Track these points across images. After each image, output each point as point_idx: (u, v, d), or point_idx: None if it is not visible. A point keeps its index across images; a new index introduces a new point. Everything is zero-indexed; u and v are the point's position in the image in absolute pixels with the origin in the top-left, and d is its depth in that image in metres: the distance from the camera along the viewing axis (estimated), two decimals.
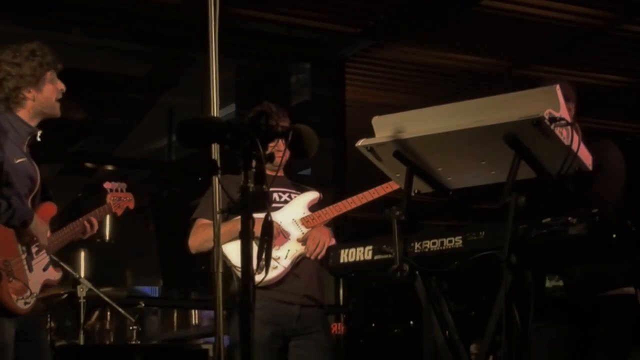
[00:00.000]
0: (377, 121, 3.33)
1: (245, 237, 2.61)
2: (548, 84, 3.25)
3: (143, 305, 6.60)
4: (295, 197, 4.73)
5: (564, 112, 3.07)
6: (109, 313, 6.70)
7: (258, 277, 2.64)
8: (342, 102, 8.13)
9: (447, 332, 3.32)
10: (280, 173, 4.66)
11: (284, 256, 4.57)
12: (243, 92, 8.25)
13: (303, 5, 7.15)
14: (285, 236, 4.61)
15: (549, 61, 8.11)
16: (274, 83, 8.29)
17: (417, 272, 3.28)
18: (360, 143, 3.31)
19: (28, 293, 3.88)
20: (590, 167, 3.23)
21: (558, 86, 3.11)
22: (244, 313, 2.60)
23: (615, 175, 3.93)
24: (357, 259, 3.42)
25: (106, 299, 5.93)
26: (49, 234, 4.02)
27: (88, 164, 8.48)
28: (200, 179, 7.51)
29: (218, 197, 3.49)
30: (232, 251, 4.37)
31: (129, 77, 8.56)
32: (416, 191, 3.38)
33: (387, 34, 7.60)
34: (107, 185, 4.59)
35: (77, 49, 7.59)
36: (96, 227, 4.29)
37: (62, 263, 4.52)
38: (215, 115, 3.39)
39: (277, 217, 4.58)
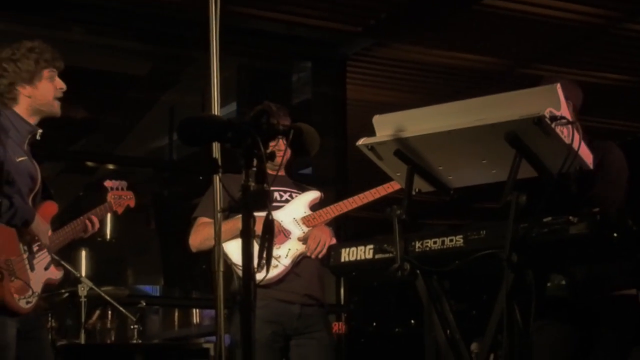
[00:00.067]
0: (378, 120, 3.32)
1: (246, 236, 2.61)
2: (549, 83, 3.24)
3: (144, 304, 6.59)
4: (296, 196, 4.74)
5: (564, 110, 3.07)
6: (110, 312, 6.69)
7: (259, 276, 2.64)
8: (343, 100, 8.13)
9: (448, 331, 3.32)
10: (282, 172, 4.66)
11: (284, 255, 4.57)
12: (244, 90, 8.25)
13: (304, 4, 7.14)
14: (286, 235, 4.61)
15: (551, 60, 8.11)
16: (275, 82, 8.29)
17: (418, 271, 3.28)
18: (361, 142, 3.31)
19: (30, 292, 3.88)
20: (591, 166, 3.23)
21: (559, 85, 3.11)
22: (245, 312, 2.60)
23: (618, 177, 3.93)
24: (358, 258, 3.42)
25: (107, 298, 5.93)
26: (50, 232, 4.02)
27: (89, 163, 8.49)
28: (201, 177, 7.52)
29: (219, 195, 3.49)
30: (233, 249, 4.37)
31: (130, 75, 8.57)
32: (417, 190, 3.38)
33: (388, 32, 7.60)
34: (107, 183, 4.59)
35: (78, 48, 7.59)
36: (97, 225, 4.29)
37: (63, 262, 4.52)
38: (216, 113, 3.39)
39: (278, 216, 4.58)
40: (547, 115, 2.99)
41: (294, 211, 4.68)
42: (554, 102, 3.06)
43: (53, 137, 4.17)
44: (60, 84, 4.05)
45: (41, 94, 3.99)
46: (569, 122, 3.05)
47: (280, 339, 4.56)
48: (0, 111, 3.88)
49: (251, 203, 2.63)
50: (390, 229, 3.27)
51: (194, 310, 10.00)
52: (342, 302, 7.69)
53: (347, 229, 7.02)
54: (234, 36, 7.07)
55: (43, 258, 3.99)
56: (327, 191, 5.04)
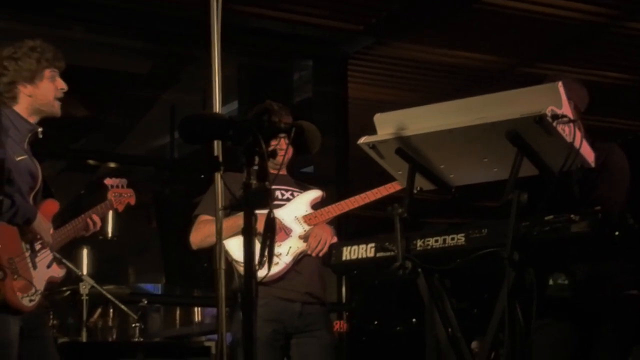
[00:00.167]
0: (379, 118, 3.33)
1: (247, 234, 2.62)
2: (553, 82, 3.24)
3: (145, 302, 6.59)
4: (297, 195, 4.74)
5: (566, 109, 3.07)
6: (111, 310, 6.70)
7: (260, 273, 2.64)
8: (345, 99, 8.13)
9: (449, 330, 3.32)
10: (283, 172, 4.66)
11: (285, 252, 4.57)
12: (245, 89, 8.25)
13: (305, 3, 7.15)
14: (287, 233, 4.62)
15: (551, 58, 8.11)
16: (276, 80, 8.29)
17: (419, 270, 3.29)
18: (362, 140, 3.31)
19: (33, 290, 3.88)
20: (593, 165, 3.23)
21: (560, 83, 3.11)
22: (247, 310, 2.60)
23: (620, 178, 3.93)
24: (360, 256, 3.42)
25: (109, 296, 5.93)
26: (51, 231, 4.03)
27: (90, 161, 8.48)
28: (202, 176, 7.52)
29: (220, 193, 3.49)
30: (234, 246, 4.37)
31: (131, 74, 8.56)
32: (418, 188, 3.38)
33: (389, 31, 7.60)
34: (107, 181, 4.59)
35: (78, 46, 7.59)
36: (99, 224, 4.30)
37: (64, 260, 4.53)
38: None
39: (279, 213, 4.58)
40: (549, 114, 2.99)
41: (295, 209, 4.68)
42: (556, 101, 3.06)
43: (54, 135, 4.17)
44: (62, 84, 4.04)
45: (42, 94, 3.99)
46: (570, 121, 3.06)
47: (281, 338, 4.56)
48: (2, 111, 3.88)
49: (252, 201, 2.63)
50: (392, 228, 3.27)
51: (195, 309, 9.99)
52: (344, 300, 7.70)
53: (348, 228, 7.02)
54: (235, 35, 7.07)
55: (45, 256, 4.00)
56: (328, 189, 5.05)
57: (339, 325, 7.54)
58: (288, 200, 4.70)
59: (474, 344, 4.81)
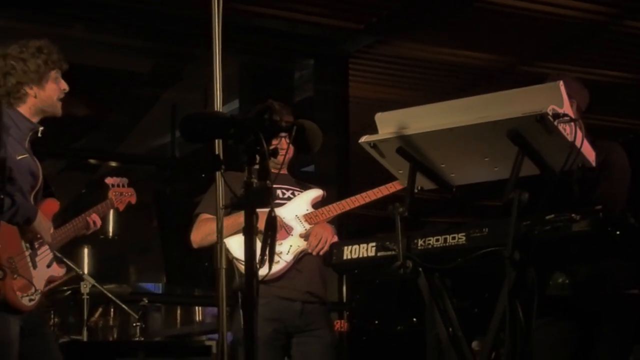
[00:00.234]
0: (380, 117, 3.32)
1: (248, 233, 2.61)
2: (554, 81, 3.24)
3: (146, 301, 6.60)
4: (298, 194, 4.74)
5: (567, 108, 3.07)
6: (112, 309, 6.71)
7: (261, 272, 2.64)
8: (345, 98, 8.13)
9: (450, 329, 3.32)
10: (284, 171, 4.66)
11: (286, 251, 4.57)
12: (246, 88, 8.25)
13: (306, 2, 7.14)
14: (288, 231, 4.61)
15: (551, 57, 8.10)
16: (277, 79, 8.28)
17: (420, 269, 3.28)
18: (363, 139, 3.31)
19: (33, 290, 3.88)
20: (594, 164, 3.23)
21: (561, 82, 3.11)
22: (248, 309, 2.60)
23: (621, 177, 3.93)
24: (361, 255, 3.42)
25: (110, 295, 5.94)
26: (52, 230, 4.03)
27: (91, 161, 8.50)
28: (203, 175, 7.52)
29: (221, 192, 3.49)
30: (234, 244, 4.36)
31: (132, 73, 8.56)
32: (419, 188, 3.38)
33: (390, 30, 7.59)
34: (108, 180, 4.60)
35: (80, 45, 7.59)
36: (99, 223, 4.30)
37: (65, 259, 4.53)
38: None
39: (280, 212, 4.58)
40: (550, 113, 2.99)
41: (296, 208, 4.68)
42: (557, 100, 3.05)
43: (55, 134, 4.17)
44: (64, 85, 4.05)
45: (47, 95, 3.99)
46: (571, 120, 3.05)
47: (282, 337, 4.56)
48: (3, 110, 3.88)
49: (253, 200, 2.63)
50: (393, 227, 3.27)
51: (196, 308, 9.99)
52: (344, 299, 7.69)
53: (349, 227, 7.02)
54: (236, 33, 7.07)
55: (45, 256, 4.00)
56: (329, 188, 5.04)
57: (340, 325, 7.53)
58: (289, 199, 4.70)
59: (474, 344, 4.81)
